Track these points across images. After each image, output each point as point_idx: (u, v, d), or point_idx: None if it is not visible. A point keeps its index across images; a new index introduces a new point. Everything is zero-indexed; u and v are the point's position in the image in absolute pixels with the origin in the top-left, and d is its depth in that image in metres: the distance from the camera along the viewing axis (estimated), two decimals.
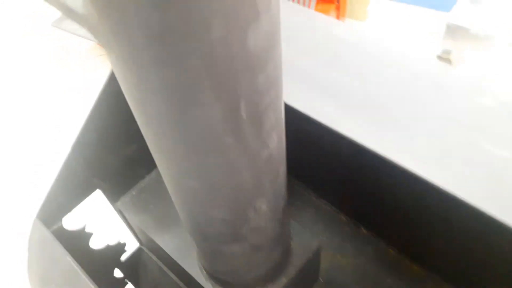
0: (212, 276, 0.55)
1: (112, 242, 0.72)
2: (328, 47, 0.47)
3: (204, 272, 0.56)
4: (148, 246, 0.75)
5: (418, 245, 0.50)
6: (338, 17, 1.85)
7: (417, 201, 0.38)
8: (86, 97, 1.82)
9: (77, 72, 1.98)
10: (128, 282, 0.79)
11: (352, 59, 0.45)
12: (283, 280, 0.54)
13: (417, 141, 0.37)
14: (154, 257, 0.76)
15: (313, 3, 1.71)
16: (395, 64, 0.44)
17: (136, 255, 0.78)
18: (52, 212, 0.58)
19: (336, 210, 0.61)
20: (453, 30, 1.17)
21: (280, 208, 0.45)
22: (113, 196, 0.66)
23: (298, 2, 1.72)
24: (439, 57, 1.25)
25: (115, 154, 0.62)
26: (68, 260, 0.52)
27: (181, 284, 0.69)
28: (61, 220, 0.61)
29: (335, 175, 0.51)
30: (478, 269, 0.43)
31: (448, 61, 1.23)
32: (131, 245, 0.77)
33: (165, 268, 0.72)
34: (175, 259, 0.59)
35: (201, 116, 0.30)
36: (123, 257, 0.76)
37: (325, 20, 0.51)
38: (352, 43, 0.47)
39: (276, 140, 0.37)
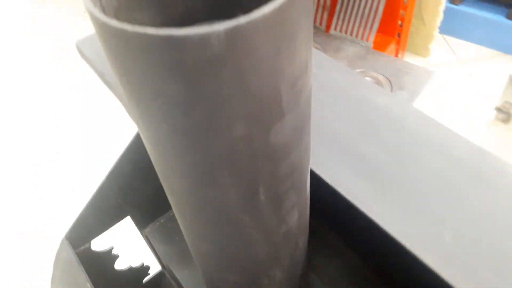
0: None
1: (136, 264, 0.74)
2: (368, 116, 0.45)
3: None
4: (169, 272, 0.76)
5: None
6: (397, 51, 1.80)
7: None
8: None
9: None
10: None
11: (392, 134, 0.43)
12: None
13: (451, 238, 0.35)
14: (174, 284, 0.76)
15: (372, 36, 1.68)
16: (438, 146, 0.42)
17: (158, 278, 0.79)
18: (81, 234, 0.60)
19: (365, 266, 0.58)
20: None
21: (297, 275, 0.44)
22: (142, 222, 0.67)
23: (356, 36, 1.70)
24: (498, 109, 1.18)
25: (148, 184, 0.63)
26: (88, 286, 0.54)
27: None
28: (89, 242, 0.63)
29: (363, 248, 0.49)
30: None
31: (507, 115, 1.16)
32: (154, 269, 0.78)
33: None
34: None
35: (219, 197, 0.30)
36: (145, 280, 0.77)
37: (369, 87, 0.49)
38: (394, 116, 0.45)
39: (296, 216, 0.36)
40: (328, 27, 1.81)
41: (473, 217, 0.37)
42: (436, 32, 1.83)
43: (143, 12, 0.30)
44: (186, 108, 0.24)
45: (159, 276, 0.79)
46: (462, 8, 1.90)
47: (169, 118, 0.25)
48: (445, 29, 1.97)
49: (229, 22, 0.20)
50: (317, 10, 1.81)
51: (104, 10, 0.26)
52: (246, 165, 0.28)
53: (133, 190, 0.62)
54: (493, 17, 1.82)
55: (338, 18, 1.76)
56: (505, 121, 1.17)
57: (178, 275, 0.62)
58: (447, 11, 1.92)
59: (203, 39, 0.20)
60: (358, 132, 0.46)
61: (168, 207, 0.70)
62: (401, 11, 1.67)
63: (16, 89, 2.10)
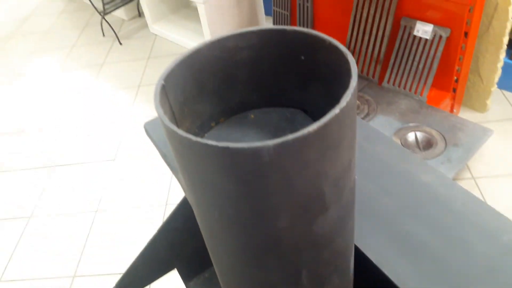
0: None
1: None
2: (414, 193, 0.46)
3: None
4: None
5: None
6: (453, 106, 1.77)
7: None
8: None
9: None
10: None
11: (438, 213, 0.43)
12: None
13: None
14: None
15: (426, 90, 1.67)
16: (485, 230, 0.41)
17: None
18: (130, 283, 0.64)
19: None
20: None
21: None
22: (188, 276, 0.70)
23: (410, 90, 1.69)
24: None
25: (196, 240, 0.66)
26: None
27: None
28: None
29: None
30: None
31: None
32: None
33: None
34: None
35: (262, 277, 0.32)
36: None
37: (416, 162, 0.50)
38: (441, 195, 0.45)
39: None
40: (381, 79, 1.82)
41: None
42: (494, 88, 1.78)
43: (205, 104, 0.34)
44: (236, 202, 0.26)
45: None
46: None
47: (221, 208, 0.27)
48: (504, 85, 1.92)
49: (278, 139, 0.22)
50: (370, 63, 1.84)
51: (171, 106, 0.30)
52: (290, 251, 0.30)
53: (182, 245, 0.65)
54: None
55: (391, 71, 1.76)
56: None
57: None
58: (506, 67, 1.87)
59: (255, 152, 0.23)
60: (403, 209, 0.46)
61: (209, 264, 0.72)
62: (456, 67, 1.65)
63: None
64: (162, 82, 0.29)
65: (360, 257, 0.42)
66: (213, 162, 0.24)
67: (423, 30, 1.63)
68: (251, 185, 0.25)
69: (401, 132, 1.57)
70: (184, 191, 0.33)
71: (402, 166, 0.51)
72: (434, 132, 1.54)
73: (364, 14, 1.79)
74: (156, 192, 1.83)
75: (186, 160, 0.26)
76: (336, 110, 0.24)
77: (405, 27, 1.68)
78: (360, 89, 1.81)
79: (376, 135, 0.54)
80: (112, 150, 2.10)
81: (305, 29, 0.31)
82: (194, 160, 0.25)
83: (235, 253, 0.31)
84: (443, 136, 1.51)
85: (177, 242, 0.64)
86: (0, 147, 2.28)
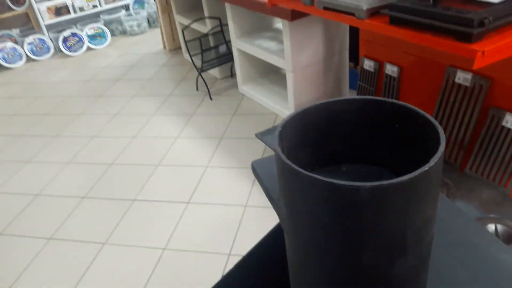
0: None
1: None
2: (490, 271, 0.47)
3: None
4: None
5: None
6: None
7: None
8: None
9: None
10: None
11: None
12: None
13: None
14: None
15: (511, 182, 1.61)
16: None
17: None
18: None
19: None
20: None
21: None
22: None
23: (493, 180, 1.64)
24: None
25: (268, 285, 0.70)
26: None
27: None
28: None
29: None
30: None
31: None
32: None
33: None
34: None
35: None
36: None
37: (496, 242, 0.51)
38: None
39: None
40: (463, 165, 1.79)
41: None
42: None
43: (305, 151, 0.40)
44: (330, 233, 0.32)
45: None
46: None
47: (315, 236, 0.33)
48: None
49: (375, 182, 0.28)
50: (453, 147, 1.82)
51: (283, 149, 0.37)
52: (370, 287, 0.34)
53: (253, 286, 0.70)
54: None
55: (475, 158, 1.73)
56: None
57: None
58: None
59: (355, 189, 0.29)
60: (476, 280, 0.48)
61: None
62: None
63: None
64: (280, 128, 0.37)
65: None
66: (318, 194, 0.30)
67: None
68: (346, 218, 0.30)
69: (480, 222, 1.50)
70: (282, 220, 0.38)
71: (478, 242, 0.52)
72: None
73: (451, 99, 1.81)
74: (222, 240, 1.90)
75: (293, 192, 0.33)
76: (425, 167, 0.29)
77: (493, 116, 1.67)
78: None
79: (456, 211, 0.57)
80: (188, 193, 2.23)
81: (401, 102, 0.38)
82: (302, 191, 0.31)
83: (319, 283, 0.36)
84: None
85: (248, 283, 0.69)
86: (91, 176, 2.52)
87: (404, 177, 0.28)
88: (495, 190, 1.63)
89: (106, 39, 4.99)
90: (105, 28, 4.99)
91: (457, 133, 1.79)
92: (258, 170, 0.46)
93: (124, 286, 1.74)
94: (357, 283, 0.33)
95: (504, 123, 1.63)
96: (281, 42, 2.76)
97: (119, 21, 5.19)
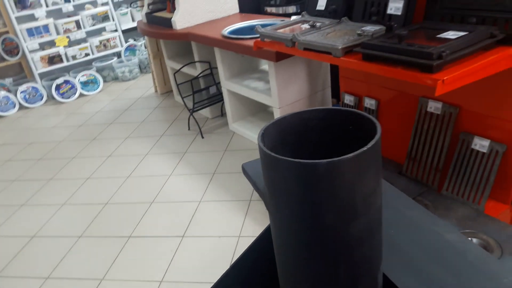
0: None
1: None
2: (437, 248, 0.59)
3: None
4: None
5: None
6: (511, 219, 1.79)
7: None
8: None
9: None
10: None
11: (454, 263, 0.56)
12: None
13: None
14: None
15: (484, 200, 1.73)
16: (474, 266, 0.53)
17: None
18: None
19: None
20: None
21: None
22: None
23: (468, 199, 1.76)
24: None
25: (262, 282, 0.80)
26: None
27: None
28: None
29: None
30: None
31: None
32: None
33: None
34: None
35: (311, 267, 0.47)
36: None
37: (444, 227, 0.63)
38: (458, 250, 0.58)
39: None
40: (440, 187, 1.91)
41: None
42: None
43: (285, 154, 0.52)
44: (300, 201, 0.43)
45: None
46: None
47: (290, 206, 0.44)
48: None
49: (329, 159, 0.40)
50: (430, 171, 1.95)
51: (265, 144, 0.49)
52: (331, 246, 0.45)
53: (248, 284, 0.79)
54: None
55: (450, 180, 1.86)
56: None
57: None
58: None
59: (315, 165, 0.40)
60: (431, 258, 0.59)
61: None
62: None
63: None
64: (263, 131, 0.49)
65: (388, 282, 0.55)
66: (289, 172, 0.42)
67: (480, 144, 1.75)
68: (310, 189, 0.42)
69: None
70: (266, 203, 0.50)
71: (431, 227, 0.64)
72: (490, 241, 1.57)
73: (425, 127, 1.96)
74: (217, 270, 1.96)
75: (272, 175, 0.44)
76: (365, 148, 0.41)
77: (463, 140, 1.82)
78: (419, 193, 1.91)
79: (411, 204, 0.69)
80: (183, 228, 2.31)
81: (353, 110, 0.50)
82: (278, 172, 0.43)
83: (294, 244, 0.46)
84: (499, 245, 1.54)
85: (244, 281, 0.78)
86: (86, 216, 2.59)
87: (350, 154, 0.40)
88: (470, 208, 1.75)
89: (98, 85, 5.16)
90: (97, 75, 5.18)
91: (432, 157, 1.93)
92: (247, 169, 0.58)
93: None
94: (324, 242, 0.44)
95: (473, 146, 1.77)
96: (267, 82, 2.94)
97: (111, 68, 5.39)
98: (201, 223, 2.32)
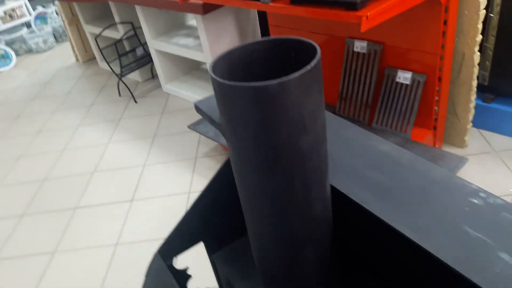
0: None
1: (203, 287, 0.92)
2: (376, 157, 0.66)
3: None
4: None
5: None
6: (435, 142, 1.99)
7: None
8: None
9: None
10: None
11: (391, 167, 0.64)
12: None
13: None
14: None
15: (410, 128, 1.90)
16: (416, 171, 0.62)
17: None
18: (168, 251, 0.82)
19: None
20: None
21: (326, 263, 0.61)
22: (212, 249, 0.88)
23: (396, 129, 1.92)
24: None
25: (222, 218, 0.85)
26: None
27: None
28: (172, 258, 0.84)
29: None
30: None
31: None
32: None
33: None
34: None
35: (269, 183, 0.52)
36: None
37: (379, 140, 0.71)
38: (393, 156, 0.66)
39: (320, 208, 0.56)
40: (370, 121, 2.06)
41: (435, 211, 0.55)
42: (469, 125, 2.01)
43: (235, 81, 0.56)
44: (255, 122, 0.47)
45: None
46: (493, 105, 2.10)
47: (246, 129, 0.48)
48: (479, 123, 2.16)
49: (278, 80, 0.44)
50: (360, 107, 2.09)
51: (217, 80, 0.52)
52: (286, 160, 0.50)
53: (210, 221, 0.84)
54: None
55: (379, 113, 2.01)
56: None
57: (238, 287, 0.79)
58: (481, 109, 2.12)
59: (266, 87, 0.44)
60: (369, 166, 0.66)
61: (234, 239, 0.90)
62: (435, 107, 1.90)
63: None
64: (213, 65, 0.51)
65: (335, 191, 0.62)
66: (242, 96, 0.46)
67: (404, 77, 1.90)
68: (263, 109, 0.46)
69: None
70: (222, 132, 0.53)
71: (368, 142, 0.72)
72: None
73: (353, 66, 2.07)
74: (172, 226, 2.00)
75: (227, 102, 0.48)
76: (308, 67, 0.46)
77: (388, 75, 1.95)
78: None
79: (348, 125, 0.76)
80: (130, 192, 2.30)
81: (293, 37, 0.54)
82: (233, 98, 0.47)
83: (253, 163, 0.51)
84: None
85: (205, 218, 0.83)
86: (25, 194, 2.48)
87: (297, 73, 0.45)
88: (398, 137, 1.92)
89: (11, 59, 4.76)
90: (8, 49, 4.77)
91: (361, 95, 2.06)
92: (200, 106, 0.61)
93: (82, 285, 1.79)
94: (280, 157, 0.49)
95: (397, 79, 1.92)
96: (197, 37, 2.90)
97: (22, 40, 4.97)
98: (148, 185, 2.32)
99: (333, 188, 0.63)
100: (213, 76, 0.49)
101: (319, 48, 0.49)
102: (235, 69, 0.55)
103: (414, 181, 0.61)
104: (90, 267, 1.87)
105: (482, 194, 0.57)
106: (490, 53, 2.01)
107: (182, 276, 0.86)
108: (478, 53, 1.82)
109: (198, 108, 0.61)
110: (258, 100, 0.46)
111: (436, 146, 2.01)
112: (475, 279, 0.46)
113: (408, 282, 0.63)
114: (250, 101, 0.46)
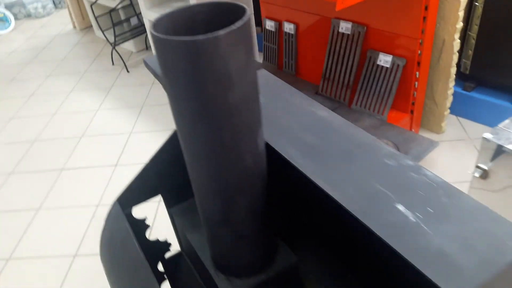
0: (215, 263, 0.78)
1: (161, 239, 0.99)
2: (311, 121, 0.72)
3: (212, 262, 0.79)
4: (186, 251, 1.00)
5: None
6: (411, 126, 2.05)
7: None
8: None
9: None
10: (166, 278, 1.03)
11: (323, 130, 0.70)
12: (262, 277, 0.74)
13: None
14: (189, 262, 1.00)
15: (387, 111, 1.95)
16: (344, 134, 0.68)
17: (176, 258, 1.03)
18: (127, 200, 0.88)
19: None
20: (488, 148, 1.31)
21: (258, 210, 0.68)
22: (170, 202, 0.94)
23: (373, 111, 1.98)
24: (477, 166, 1.37)
25: (179, 172, 0.91)
26: (131, 236, 0.80)
27: (200, 280, 0.92)
28: (131, 208, 0.90)
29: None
30: None
31: (485, 172, 1.35)
32: (175, 248, 1.03)
33: (195, 272, 0.96)
34: (198, 253, 0.83)
35: (203, 135, 0.58)
36: (167, 255, 1.02)
37: (316, 105, 0.77)
38: (326, 121, 0.72)
39: (251, 160, 0.62)
40: (350, 102, 2.11)
41: (358, 169, 0.61)
42: (447, 112, 2.07)
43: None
44: (186, 75, 0.53)
45: (177, 256, 1.04)
46: (473, 94, 2.15)
47: (179, 82, 0.54)
48: (457, 111, 2.21)
49: (205, 35, 0.50)
50: (342, 88, 2.14)
51: (153, 34, 0.57)
52: (215, 113, 0.55)
53: (167, 174, 0.90)
54: (500, 102, 2.05)
55: (359, 95, 2.06)
56: (483, 177, 1.35)
57: (190, 237, 0.86)
58: (462, 97, 2.17)
59: (194, 41, 0.50)
60: (305, 128, 0.72)
61: (189, 195, 0.96)
62: (413, 92, 1.95)
63: None
64: (155, 22, 0.57)
65: (270, 148, 0.68)
66: (175, 50, 0.51)
67: (384, 60, 1.94)
68: (192, 62, 0.51)
69: None
70: (164, 87, 0.58)
71: (306, 107, 0.78)
72: (390, 143, 1.80)
73: (337, 47, 2.11)
74: None
75: (164, 57, 0.53)
76: (233, 27, 0.51)
77: (370, 57, 2.00)
78: (332, 109, 2.09)
79: (294, 91, 0.82)
80: (115, 157, 2.36)
81: (230, 1, 0.60)
82: (168, 53, 0.52)
83: (185, 113, 0.56)
84: (396, 146, 1.78)
85: (163, 171, 0.89)
86: (14, 154, 2.54)
87: (222, 31, 0.50)
88: (375, 118, 1.97)
89: (9, 23, 4.76)
90: (7, 12, 4.76)
91: (343, 76, 2.11)
92: (148, 61, 0.66)
93: (62, 243, 1.87)
94: (210, 110, 0.55)
95: (378, 62, 1.96)
96: None
97: (21, 4, 4.96)
98: (133, 152, 2.38)
99: (268, 145, 0.69)
100: (152, 31, 0.54)
101: (248, 11, 0.55)
102: (179, 29, 0.60)
103: (341, 143, 0.67)
104: (72, 224, 1.95)
105: (397, 157, 0.63)
106: (473, 42, 2.05)
107: (140, 225, 0.93)
108: (458, 41, 1.86)
109: (146, 63, 0.67)
110: (187, 54, 0.51)
111: (413, 130, 2.07)
112: (370, 224, 0.52)
113: (325, 232, 0.70)
114: (180, 54, 0.51)
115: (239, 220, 0.68)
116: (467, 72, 2.14)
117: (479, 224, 0.51)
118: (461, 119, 2.22)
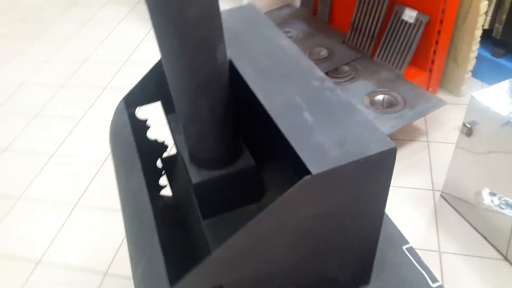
0: (190, 157, 0.98)
1: (160, 140, 1.21)
2: (272, 48, 0.88)
3: (188, 156, 0.99)
4: (178, 151, 1.21)
5: None
6: (429, 85, 2.10)
7: None
8: None
9: None
10: (164, 174, 1.26)
11: (279, 54, 0.85)
12: (224, 171, 0.93)
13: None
14: (180, 160, 1.21)
15: (405, 66, 2.01)
16: (289, 56, 0.83)
17: (173, 158, 1.25)
18: (132, 101, 1.09)
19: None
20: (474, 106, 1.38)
21: (218, 111, 0.85)
22: (168, 110, 1.14)
23: (392, 64, 2.04)
24: (464, 124, 1.45)
25: None
26: (128, 126, 1.01)
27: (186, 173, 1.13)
28: (135, 108, 1.11)
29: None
30: None
31: (470, 130, 1.43)
32: (172, 150, 1.25)
33: (183, 167, 1.17)
34: (179, 148, 1.03)
35: (167, 46, 0.75)
36: (165, 154, 1.24)
37: (282, 37, 0.91)
38: (282, 47, 0.87)
39: (211, 71, 0.79)
40: (373, 54, 2.18)
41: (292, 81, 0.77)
42: (468, 75, 2.09)
43: None
44: (179, 32, 0.70)
45: (174, 156, 1.26)
46: (501, 61, 2.13)
47: (153, 2, 0.71)
48: (480, 74, 2.21)
49: None
50: (367, 39, 2.20)
51: None
52: (176, 26, 0.72)
53: (165, 84, 1.10)
54: None
55: (381, 48, 2.12)
56: (468, 134, 1.44)
57: (176, 138, 1.06)
58: (489, 62, 2.17)
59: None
60: (264, 54, 0.88)
61: None
62: (433, 50, 1.98)
63: None
64: None
65: (233, 66, 0.85)
66: (163, 18, 0.68)
67: (410, 15, 1.98)
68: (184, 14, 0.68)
69: (372, 94, 1.93)
70: (156, 34, 0.76)
71: (274, 37, 0.92)
72: (398, 97, 1.89)
73: None
74: None
75: (156, 24, 0.70)
76: None
77: (397, 12, 2.04)
78: (354, 59, 2.18)
79: (268, 24, 0.97)
80: None
81: None
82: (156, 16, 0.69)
83: (156, 25, 0.74)
84: (404, 100, 1.87)
85: (162, 81, 1.09)
86: (70, 70, 2.86)
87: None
88: (392, 72, 2.05)
89: None
90: None
91: (370, 27, 2.16)
92: None
93: (65, 193, 2.16)
94: (171, 23, 0.72)
95: (403, 17, 2.00)
96: None
97: None
98: None
99: (232, 64, 0.85)
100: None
101: None
102: None
103: (288, 67, 0.82)
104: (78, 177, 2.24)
105: (323, 80, 0.77)
106: (508, 6, 2.02)
107: (141, 125, 1.14)
108: (486, 2, 1.85)
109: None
110: (177, 14, 0.67)
111: (430, 89, 2.12)
112: (279, 122, 0.69)
113: (263, 136, 0.87)
114: (167, 21, 0.68)
115: (202, 118, 0.86)
116: (498, 37, 2.12)
117: (359, 132, 0.66)
118: (485, 85, 2.22)
